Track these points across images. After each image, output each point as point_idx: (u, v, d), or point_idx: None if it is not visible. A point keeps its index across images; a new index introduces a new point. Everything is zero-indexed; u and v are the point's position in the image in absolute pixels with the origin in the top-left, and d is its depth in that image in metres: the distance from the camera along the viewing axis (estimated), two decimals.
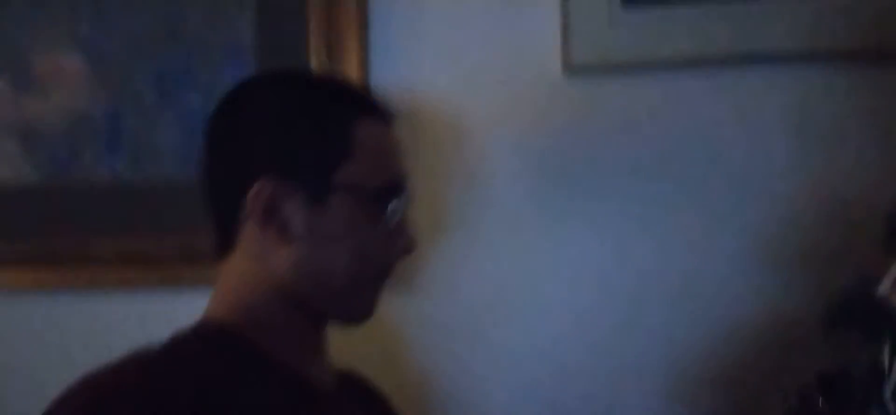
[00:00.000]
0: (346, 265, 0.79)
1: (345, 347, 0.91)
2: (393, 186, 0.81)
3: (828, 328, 0.84)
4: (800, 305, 1.20)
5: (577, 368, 1.27)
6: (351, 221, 0.79)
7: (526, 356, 1.28)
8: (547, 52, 1.26)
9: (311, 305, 0.81)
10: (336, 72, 1.27)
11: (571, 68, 1.24)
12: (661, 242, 1.27)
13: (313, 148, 0.78)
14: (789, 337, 1.20)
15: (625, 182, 1.27)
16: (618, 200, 1.27)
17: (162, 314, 1.28)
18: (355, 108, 0.81)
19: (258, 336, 0.79)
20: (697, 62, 1.24)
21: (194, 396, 0.71)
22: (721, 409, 1.23)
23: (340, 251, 0.78)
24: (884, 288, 0.76)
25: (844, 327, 0.84)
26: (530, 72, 1.27)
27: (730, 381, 1.23)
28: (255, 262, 0.79)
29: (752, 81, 1.25)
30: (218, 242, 0.83)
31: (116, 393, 0.69)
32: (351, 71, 1.29)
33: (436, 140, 1.28)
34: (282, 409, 0.77)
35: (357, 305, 0.83)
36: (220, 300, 0.82)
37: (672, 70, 1.25)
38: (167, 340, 0.78)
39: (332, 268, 0.79)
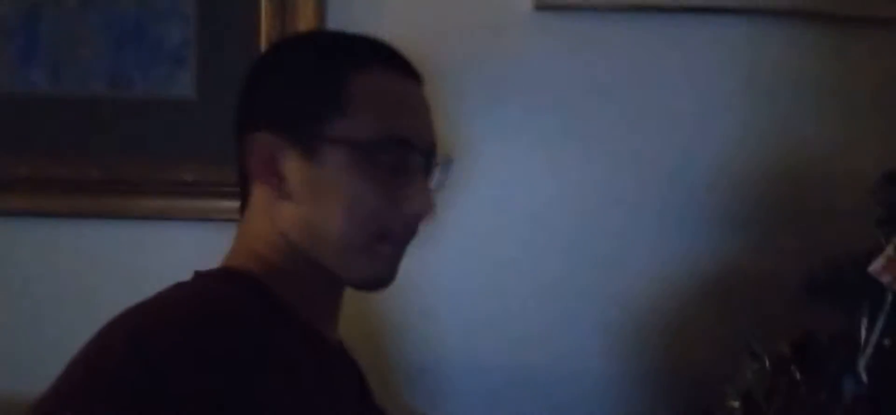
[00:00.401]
0: (342, 222, 0.77)
1: None
2: (391, 141, 0.77)
3: (810, 295, 0.83)
4: (750, 260, 1.23)
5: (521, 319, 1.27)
6: (345, 176, 0.76)
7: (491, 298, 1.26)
8: None
9: (320, 264, 0.79)
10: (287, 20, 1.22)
11: (542, 5, 1.24)
12: (602, 192, 1.26)
13: (305, 101, 0.77)
14: (744, 294, 1.22)
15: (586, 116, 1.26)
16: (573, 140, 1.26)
17: (81, 246, 1.25)
18: (354, 61, 0.78)
19: (276, 286, 0.78)
20: (656, 8, 1.24)
21: (232, 336, 0.69)
22: (677, 365, 1.24)
23: (335, 207, 0.76)
24: (876, 265, 0.75)
25: (826, 296, 0.83)
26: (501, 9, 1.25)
27: (687, 340, 1.24)
28: (264, 218, 0.79)
29: (703, 32, 1.26)
30: (240, 199, 0.83)
31: (157, 336, 0.66)
32: (306, 16, 1.22)
33: None
34: (302, 356, 0.76)
35: (362, 266, 0.79)
36: (236, 254, 0.81)
37: (632, 14, 1.24)
38: (193, 285, 0.76)
39: (329, 225, 0.77)
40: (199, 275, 0.78)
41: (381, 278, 0.80)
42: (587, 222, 1.26)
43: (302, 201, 0.77)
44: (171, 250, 1.23)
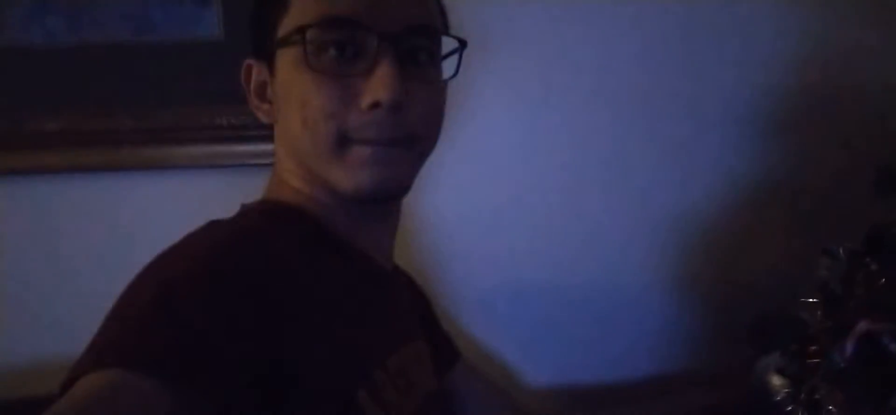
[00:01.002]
0: (299, 127, 0.73)
1: None
2: (332, 21, 0.71)
3: (882, 191, 0.85)
4: (800, 167, 1.25)
5: (572, 255, 1.27)
6: (293, 75, 0.73)
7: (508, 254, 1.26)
8: None
9: (324, 180, 0.76)
10: None
11: None
12: (648, 107, 1.25)
13: (261, 15, 0.78)
14: (793, 203, 1.24)
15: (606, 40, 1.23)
16: (604, 53, 1.23)
17: (118, 200, 1.20)
18: None
19: (319, 213, 0.78)
20: None
21: (265, 268, 0.67)
22: (741, 274, 1.26)
23: (292, 113, 0.74)
24: None
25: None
26: None
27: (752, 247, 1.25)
28: (277, 142, 0.81)
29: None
30: None
31: (181, 280, 0.64)
32: None
33: None
34: (349, 280, 0.76)
35: (340, 176, 0.74)
36: (273, 184, 0.83)
37: None
38: (235, 215, 0.77)
39: (293, 133, 0.75)
40: (238, 213, 0.80)
41: (364, 186, 0.74)
42: (643, 131, 1.25)
43: (278, 119, 0.78)
44: (210, 199, 1.16)
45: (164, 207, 1.22)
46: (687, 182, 1.27)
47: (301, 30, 0.71)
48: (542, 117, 1.25)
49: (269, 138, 1.21)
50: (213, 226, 0.74)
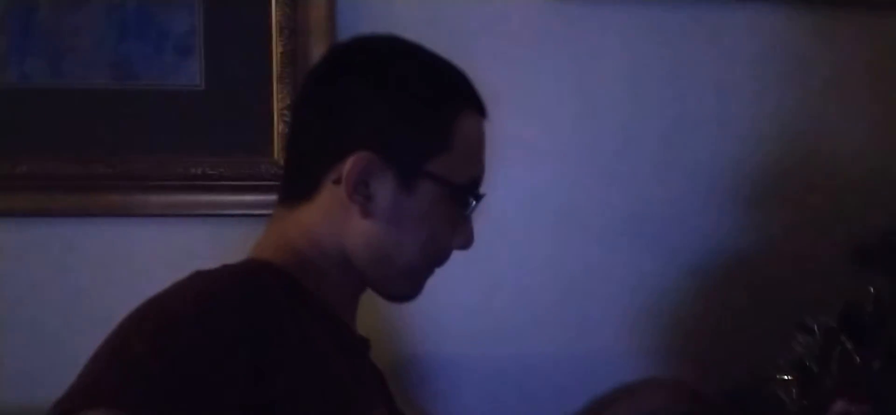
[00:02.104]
0: (416, 251, 0.80)
1: None
2: (476, 184, 0.82)
3: (859, 266, 0.85)
4: (771, 242, 1.25)
5: (546, 312, 1.26)
6: (432, 211, 0.79)
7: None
8: None
9: (364, 275, 0.82)
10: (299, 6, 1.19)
11: None
12: (631, 176, 1.26)
13: (415, 134, 0.78)
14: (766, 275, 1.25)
15: (599, 111, 1.25)
16: (591, 129, 1.25)
17: (87, 247, 1.19)
18: (460, 99, 0.81)
19: (305, 280, 0.78)
20: None
21: (257, 320, 0.69)
22: (714, 345, 1.25)
23: (414, 237, 0.79)
24: None
25: (874, 266, 0.85)
26: None
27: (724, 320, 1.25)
28: (330, 223, 0.79)
29: (727, 19, 1.27)
30: (291, 188, 0.82)
31: (180, 322, 0.66)
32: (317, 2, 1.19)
33: None
34: (330, 348, 0.77)
35: (409, 287, 0.84)
36: (273, 244, 0.81)
37: (652, 1, 1.25)
38: (217, 270, 0.75)
39: (402, 250, 0.79)
40: (224, 266, 0.76)
41: (415, 297, 0.84)
42: (612, 207, 1.26)
43: (381, 223, 0.78)
44: (183, 248, 1.17)
45: (134, 256, 1.19)
46: (660, 250, 1.27)
47: (458, 188, 0.79)
48: (525, 180, 1.25)
49: (245, 190, 1.24)
50: (205, 275, 0.74)
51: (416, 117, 0.78)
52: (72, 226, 1.17)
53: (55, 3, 1.16)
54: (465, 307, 1.24)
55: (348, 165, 0.76)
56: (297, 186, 0.81)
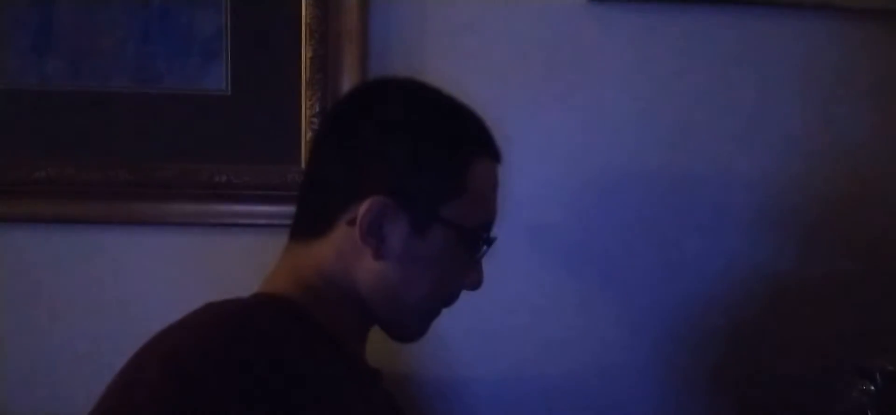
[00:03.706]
0: (426, 292, 0.82)
1: None
2: (487, 227, 0.84)
3: None
4: (814, 264, 1.20)
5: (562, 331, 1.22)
6: (444, 254, 0.81)
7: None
8: None
9: (374, 313, 0.83)
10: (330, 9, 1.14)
11: None
12: (657, 190, 1.21)
13: (431, 180, 0.80)
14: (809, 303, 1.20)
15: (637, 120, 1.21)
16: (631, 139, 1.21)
17: (109, 255, 1.16)
18: (475, 146, 0.83)
19: (316, 313, 0.79)
20: (718, 1, 1.20)
21: (270, 362, 0.71)
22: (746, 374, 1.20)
23: (425, 279, 0.81)
24: None
25: None
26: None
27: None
28: (342, 262, 0.80)
29: (763, 24, 1.21)
30: (304, 225, 0.83)
31: (194, 360, 0.68)
32: (350, 6, 1.14)
33: (452, 66, 1.16)
34: (345, 382, 0.79)
35: (417, 326, 0.86)
36: (284, 279, 0.81)
37: (689, 5, 1.20)
38: (229, 303, 0.76)
39: (412, 291, 0.81)
40: (235, 299, 0.77)
41: (420, 336, 0.86)
42: (638, 224, 1.21)
43: (393, 264, 0.79)
44: (205, 259, 1.14)
45: (156, 265, 1.16)
46: (713, 277, 1.22)
47: (470, 232, 0.81)
48: (538, 210, 1.21)
49: (271, 199, 1.20)
50: (217, 309, 0.75)
51: (432, 164, 0.80)
52: (92, 233, 1.14)
53: (76, 2, 1.11)
54: (478, 331, 1.20)
55: (363, 209, 0.77)
56: (310, 224, 0.82)
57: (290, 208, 1.08)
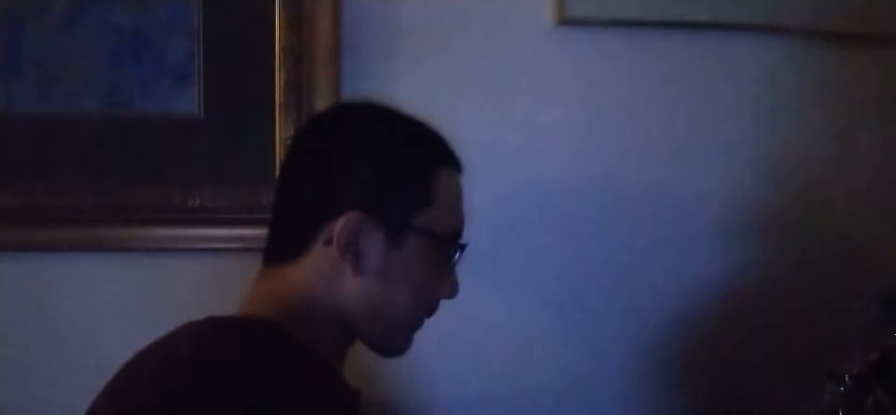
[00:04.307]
0: (407, 302, 0.83)
1: None
2: (459, 235, 0.86)
3: (890, 315, 0.84)
4: (775, 276, 1.25)
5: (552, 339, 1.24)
6: (421, 264, 0.83)
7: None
8: (539, 3, 1.22)
9: (356, 330, 0.84)
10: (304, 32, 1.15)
11: (563, 21, 1.22)
12: (621, 205, 1.25)
13: (400, 191, 0.82)
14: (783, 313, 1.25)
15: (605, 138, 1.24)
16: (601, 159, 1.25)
17: (79, 283, 1.13)
18: (438, 156, 0.86)
19: (296, 332, 0.79)
20: (677, 25, 1.24)
21: (256, 381, 0.71)
22: (727, 386, 1.24)
23: (405, 291, 0.83)
24: None
25: None
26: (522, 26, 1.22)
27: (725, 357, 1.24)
28: (323, 283, 0.81)
29: (727, 49, 1.27)
30: (278, 250, 0.84)
31: (183, 376, 0.69)
32: (323, 28, 1.14)
33: (423, 86, 1.18)
34: (328, 402, 0.78)
35: (401, 341, 0.87)
36: (263, 301, 0.82)
37: (653, 30, 1.24)
38: (209, 321, 0.76)
39: (396, 303, 0.83)
40: (213, 317, 0.77)
41: (406, 350, 0.88)
42: (601, 239, 1.25)
43: (373, 279, 0.81)
44: (180, 285, 1.13)
45: (128, 294, 1.13)
46: (669, 281, 1.25)
47: (443, 239, 0.83)
48: (532, 221, 1.23)
49: (246, 223, 1.19)
50: (196, 326, 0.75)
51: (399, 176, 0.83)
52: (61, 261, 1.11)
53: (44, 25, 1.09)
54: (459, 351, 1.21)
55: (339, 226, 0.79)
56: (285, 248, 0.83)
57: (265, 231, 1.09)
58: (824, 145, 1.28)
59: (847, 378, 0.88)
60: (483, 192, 1.14)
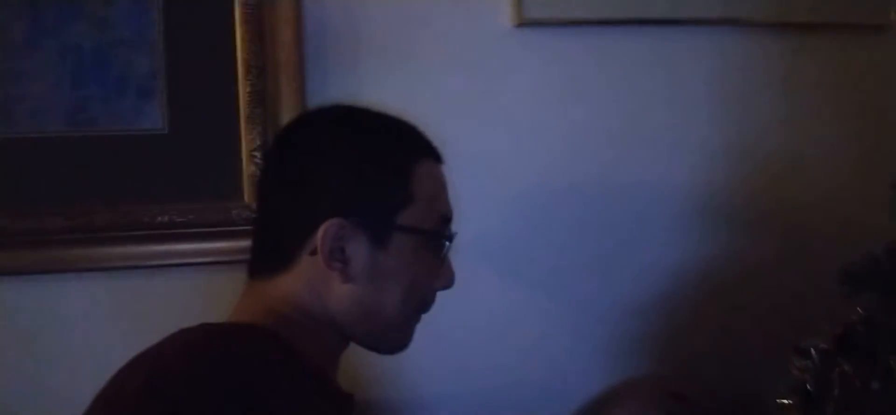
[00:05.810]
0: (400, 302, 0.82)
1: None
2: (446, 223, 0.85)
3: (852, 289, 0.86)
4: (731, 263, 1.27)
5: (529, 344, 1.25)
6: (410, 261, 0.82)
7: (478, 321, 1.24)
8: (498, 6, 1.24)
9: (352, 335, 0.84)
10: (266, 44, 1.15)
11: (522, 22, 1.23)
12: (592, 202, 1.27)
13: (379, 192, 0.81)
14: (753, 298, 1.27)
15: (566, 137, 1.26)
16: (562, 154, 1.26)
17: (49, 306, 1.12)
18: (414, 151, 0.84)
19: (289, 338, 0.78)
20: (635, 22, 1.26)
21: (239, 385, 0.70)
22: (706, 372, 1.25)
23: (397, 290, 0.82)
24: None
25: (865, 285, 0.86)
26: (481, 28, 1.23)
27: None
28: (310, 292, 0.81)
29: (684, 44, 1.29)
30: (264, 263, 0.83)
31: (174, 379, 0.69)
32: (285, 39, 1.15)
33: (387, 91, 1.17)
34: (322, 407, 0.79)
35: (400, 338, 0.86)
36: (253, 311, 0.81)
37: (610, 28, 1.26)
38: (201, 328, 0.76)
39: (386, 305, 0.82)
40: (206, 324, 0.77)
41: (407, 346, 0.87)
42: (576, 236, 1.26)
43: (362, 284, 0.80)
44: (152, 303, 1.12)
45: (98, 314, 1.13)
46: (642, 276, 1.27)
47: (429, 233, 0.82)
48: (473, 225, 1.22)
49: (215, 236, 1.18)
50: (189, 333, 0.75)
51: (376, 177, 0.81)
52: (29, 284, 1.10)
53: (5, 47, 1.08)
54: (443, 347, 1.20)
55: (321, 235, 0.78)
56: (270, 261, 0.82)
57: (235, 244, 1.09)
58: (786, 135, 1.31)
59: (813, 352, 0.89)
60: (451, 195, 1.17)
